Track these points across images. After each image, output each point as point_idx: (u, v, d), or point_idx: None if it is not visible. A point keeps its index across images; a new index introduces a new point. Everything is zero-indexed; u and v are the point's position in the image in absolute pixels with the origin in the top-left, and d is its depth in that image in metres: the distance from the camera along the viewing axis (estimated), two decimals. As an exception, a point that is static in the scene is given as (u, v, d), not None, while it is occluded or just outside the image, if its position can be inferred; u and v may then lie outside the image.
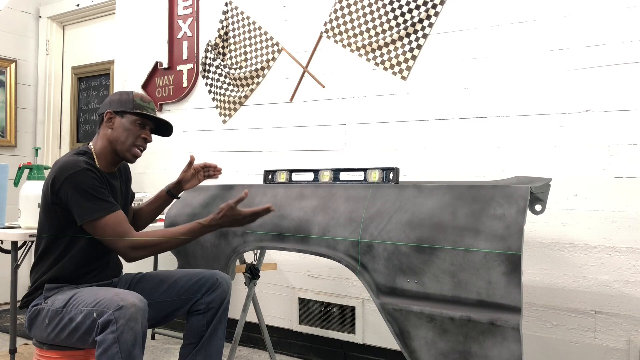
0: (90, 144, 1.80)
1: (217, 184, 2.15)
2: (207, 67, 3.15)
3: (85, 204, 1.60)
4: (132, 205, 2.05)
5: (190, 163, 2.00)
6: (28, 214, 2.28)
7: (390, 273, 1.56)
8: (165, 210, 2.88)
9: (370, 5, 2.54)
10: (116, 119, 1.77)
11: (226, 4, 3.08)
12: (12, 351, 2.26)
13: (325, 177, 1.91)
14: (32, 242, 2.26)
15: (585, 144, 2.09)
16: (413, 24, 2.43)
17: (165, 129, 1.88)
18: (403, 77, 2.48)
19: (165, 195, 2.02)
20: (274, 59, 2.89)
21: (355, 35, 2.60)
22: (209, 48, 3.13)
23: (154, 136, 1.87)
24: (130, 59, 3.54)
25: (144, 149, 1.81)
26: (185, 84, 3.25)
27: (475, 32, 2.31)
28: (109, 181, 1.77)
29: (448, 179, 2.33)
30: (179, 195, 2.04)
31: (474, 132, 2.31)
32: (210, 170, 2.05)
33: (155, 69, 3.38)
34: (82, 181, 1.61)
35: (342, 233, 1.67)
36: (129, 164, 1.96)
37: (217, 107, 3.12)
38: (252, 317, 2.52)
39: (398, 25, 2.46)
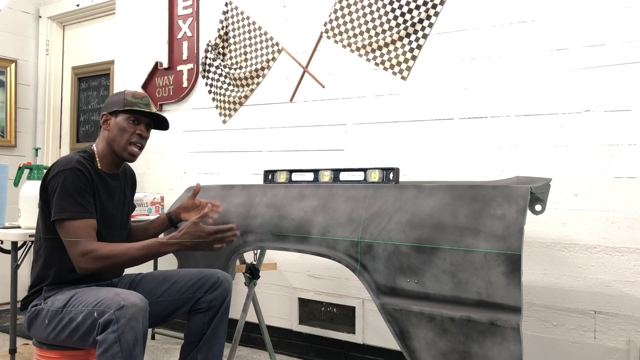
0: (94, 145, 1.81)
1: (217, 184, 2.15)
2: (207, 67, 3.15)
3: (60, 202, 1.59)
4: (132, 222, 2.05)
5: (195, 193, 1.96)
6: (28, 214, 2.28)
7: (390, 273, 1.56)
8: (165, 209, 2.89)
9: (370, 5, 2.54)
10: (111, 119, 1.77)
11: (226, 4, 3.08)
12: (12, 351, 2.26)
13: (325, 177, 1.91)
14: (32, 242, 2.26)
15: (585, 144, 2.09)
16: (413, 24, 2.43)
17: (162, 123, 1.86)
18: (403, 77, 2.48)
19: (165, 219, 1.99)
20: (274, 59, 2.89)
21: (355, 35, 2.60)
22: (209, 48, 3.13)
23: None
24: (130, 59, 3.54)
25: (142, 145, 1.79)
26: (185, 84, 3.25)
27: (475, 32, 2.31)
28: (105, 181, 1.75)
29: (448, 179, 2.33)
30: (178, 224, 2.00)
31: (474, 132, 2.31)
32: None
33: (155, 69, 3.38)
34: (66, 179, 1.61)
35: (342, 233, 1.67)
36: (134, 173, 1.98)
37: (217, 107, 3.12)
38: (252, 317, 2.52)
39: (398, 25, 2.46)
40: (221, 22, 3.09)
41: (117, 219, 1.80)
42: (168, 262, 3.17)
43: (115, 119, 1.76)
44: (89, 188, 1.66)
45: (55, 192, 1.60)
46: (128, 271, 1.95)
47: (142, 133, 1.78)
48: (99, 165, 1.76)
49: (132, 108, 1.75)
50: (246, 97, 3.00)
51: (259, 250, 2.29)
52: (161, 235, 2.00)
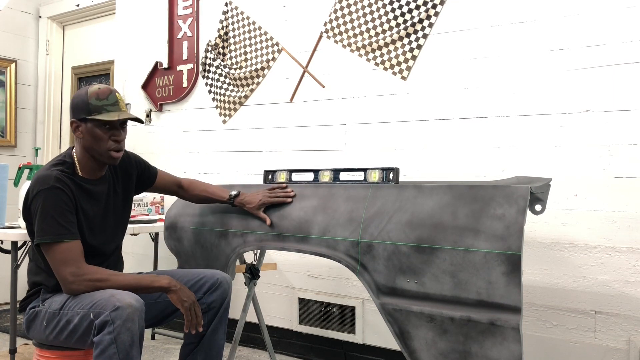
0: (73, 151, 1.71)
1: (218, 184, 2.15)
2: (207, 67, 3.15)
3: (41, 225, 1.55)
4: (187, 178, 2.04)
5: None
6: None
7: (390, 273, 1.56)
8: (166, 210, 2.88)
9: (370, 5, 2.54)
10: (81, 125, 1.64)
11: (226, 4, 3.08)
12: (12, 351, 2.26)
13: (325, 177, 1.91)
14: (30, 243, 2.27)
15: (585, 144, 2.09)
16: (413, 24, 2.43)
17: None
18: (403, 77, 2.48)
19: (225, 198, 1.94)
20: (274, 59, 2.89)
21: (355, 35, 2.60)
22: (209, 48, 3.13)
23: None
24: (130, 59, 3.54)
25: (120, 148, 1.68)
26: (185, 84, 3.25)
27: (475, 32, 2.31)
28: (88, 191, 1.69)
29: (448, 179, 2.33)
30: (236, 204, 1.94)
31: (474, 132, 2.31)
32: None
33: (155, 69, 3.38)
34: (46, 199, 1.56)
35: (342, 233, 1.67)
36: (130, 159, 1.89)
37: (217, 107, 3.12)
38: (252, 317, 2.52)
39: (398, 25, 2.46)
40: (221, 22, 3.09)
41: (110, 219, 1.77)
42: (168, 262, 3.17)
43: (85, 125, 1.63)
44: (71, 206, 1.60)
45: (37, 215, 1.56)
46: (127, 271, 1.95)
47: (118, 138, 1.66)
48: (80, 173, 1.68)
49: (100, 117, 1.60)
50: (246, 97, 3.00)
51: (259, 250, 2.29)
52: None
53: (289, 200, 1.84)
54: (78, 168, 1.69)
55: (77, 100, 1.65)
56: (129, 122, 1.75)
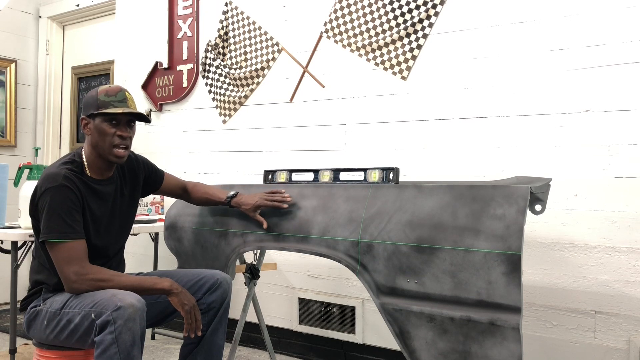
0: (82, 150, 1.72)
1: (217, 184, 2.15)
2: (207, 67, 3.15)
3: (48, 222, 1.56)
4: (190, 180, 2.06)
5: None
6: (28, 214, 2.28)
7: (390, 273, 1.56)
8: (166, 210, 2.89)
9: (370, 5, 2.54)
10: (90, 122, 1.67)
11: (226, 4, 3.08)
12: (12, 351, 2.26)
13: (325, 177, 1.91)
14: (32, 242, 2.27)
15: (585, 144, 2.09)
16: (413, 24, 2.43)
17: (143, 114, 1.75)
18: (403, 77, 2.48)
19: (224, 200, 1.93)
20: (274, 59, 2.89)
21: (355, 35, 2.60)
22: (209, 48, 3.13)
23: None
24: (130, 59, 3.54)
25: (126, 146, 1.68)
26: (185, 84, 3.25)
27: (475, 32, 2.31)
28: (96, 191, 1.69)
29: (448, 179, 2.33)
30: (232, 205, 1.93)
31: (474, 132, 2.31)
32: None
33: (155, 69, 3.38)
34: (54, 198, 1.56)
35: (342, 233, 1.67)
36: (138, 162, 1.89)
37: (217, 107, 3.12)
38: (252, 317, 2.52)
39: (398, 25, 2.46)
40: (221, 22, 3.09)
41: (116, 220, 1.78)
42: (168, 262, 3.17)
43: (93, 122, 1.66)
44: (78, 205, 1.61)
45: (44, 212, 1.57)
46: (127, 271, 1.95)
47: (123, 134, 1.66)
48: (88, 172, 1.69)
49: (106, 110, 1.63)
50: (246, 97, 3.00)
51: (259, 250, 2.29)
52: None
53: (285, 205, 1.83)
54: (86, 167, 1.69)
55: (87, 98, 1.69)
56: (138, 124, 1.75)
